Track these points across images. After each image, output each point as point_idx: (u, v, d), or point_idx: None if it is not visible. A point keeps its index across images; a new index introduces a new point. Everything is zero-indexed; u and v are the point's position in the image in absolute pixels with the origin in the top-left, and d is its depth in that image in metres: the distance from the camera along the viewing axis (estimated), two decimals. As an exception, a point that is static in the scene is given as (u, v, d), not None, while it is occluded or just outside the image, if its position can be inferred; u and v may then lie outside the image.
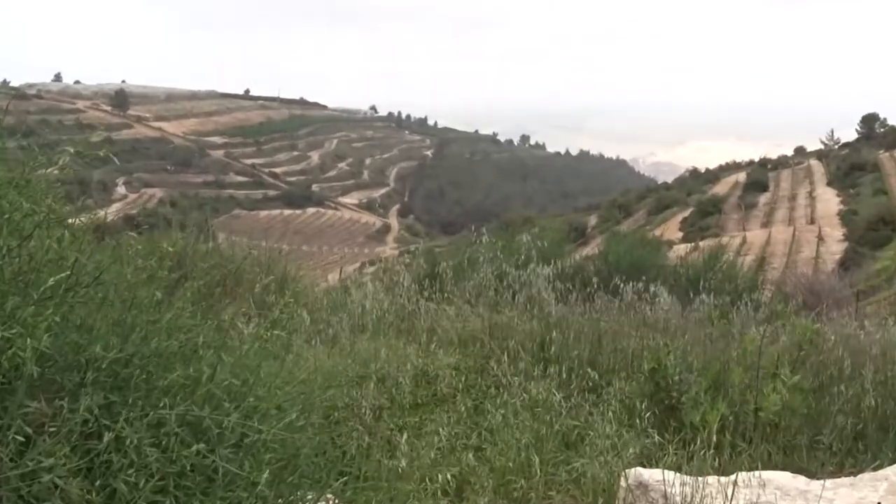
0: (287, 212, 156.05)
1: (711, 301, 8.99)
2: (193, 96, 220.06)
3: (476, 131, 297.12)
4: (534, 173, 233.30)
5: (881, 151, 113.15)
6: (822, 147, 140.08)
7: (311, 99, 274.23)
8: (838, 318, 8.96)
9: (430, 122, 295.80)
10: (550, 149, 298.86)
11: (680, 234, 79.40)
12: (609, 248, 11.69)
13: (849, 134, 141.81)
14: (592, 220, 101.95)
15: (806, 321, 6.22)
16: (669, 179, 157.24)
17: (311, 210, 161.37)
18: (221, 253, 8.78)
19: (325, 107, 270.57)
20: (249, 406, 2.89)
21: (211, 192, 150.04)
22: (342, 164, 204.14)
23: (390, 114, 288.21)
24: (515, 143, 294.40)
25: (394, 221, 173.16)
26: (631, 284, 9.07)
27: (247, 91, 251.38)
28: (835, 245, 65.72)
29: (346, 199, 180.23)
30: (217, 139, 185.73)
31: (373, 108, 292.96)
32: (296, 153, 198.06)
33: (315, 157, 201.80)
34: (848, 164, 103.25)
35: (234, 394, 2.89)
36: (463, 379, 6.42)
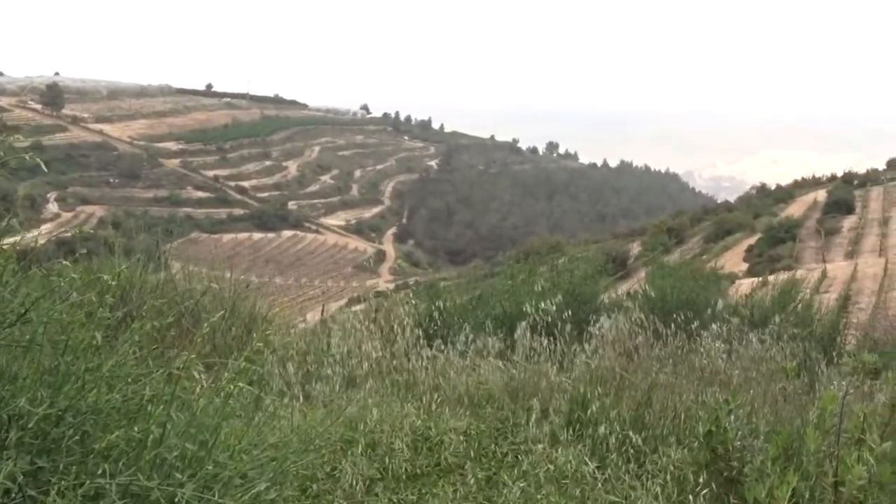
0: (257, 235, 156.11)
1: (786, 349, 8.98)
2: (142, 93, 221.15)
3: (492, 137, 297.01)
4: (563, 189, 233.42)
5: None
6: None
7: (287, 96, 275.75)
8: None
9: (435, 126, 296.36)
10: (584, 159, 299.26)
11: (745, 266, 79.38)
12: (653, 283, 11.68)
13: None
14: (635, 247, 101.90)
15: (901, 375, 6.18)
16: (732, 198, 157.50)
17: (286, 233, 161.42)
18: (176, 286, 8.80)
19: (304, 106, 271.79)
20: (208, 474, 2.90)
21: (164, 211, 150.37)
22: (326, 177, 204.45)
23: (386, 115, 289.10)
24: (540, 152, 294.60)
25: (389, 248, 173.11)
26: (681, 328, 9.08)
27: (208, 86, 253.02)
28: (938, 281, 65.63)
29: (331, 221, 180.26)
30: (171, 145, 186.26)
31: (364, 107, 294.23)
32: (269, 163, 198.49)
33: (292, 167, 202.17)
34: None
35: (188, 459, 2.89)
36: (474, 445, 6.41)
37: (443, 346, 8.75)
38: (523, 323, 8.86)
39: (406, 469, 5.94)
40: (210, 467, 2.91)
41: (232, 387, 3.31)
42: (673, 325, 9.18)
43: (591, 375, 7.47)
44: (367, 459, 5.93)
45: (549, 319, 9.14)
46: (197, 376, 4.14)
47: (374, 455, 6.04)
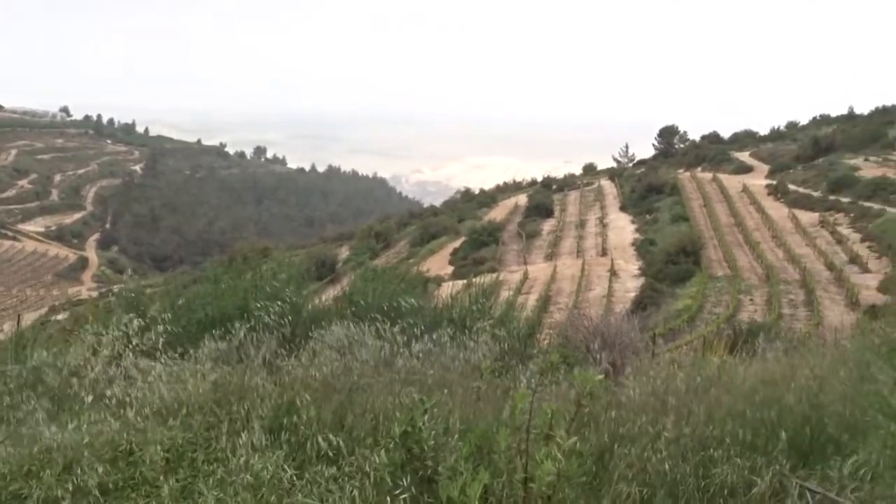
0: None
1: (484, 349, 9.19)
2: None
3: (198, 141, 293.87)
4: (271, 194, 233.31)
5: (680, 170, 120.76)
6: (614, 165, 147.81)
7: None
8: (630, 368, 9.40)
9: (140, 129, 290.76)
10: (292, 164, 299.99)
11: (450, 269, 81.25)
12: (356, 288, 11.75)
13: (645, 149, 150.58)
14: (344, 251, 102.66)
15: (587, 372, 6.45)
16: (438, 202, 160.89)
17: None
18: None
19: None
20: None
21: None
22: (23, 182, 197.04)
23: (87, 117, 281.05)
24: (248, 157, 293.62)
25: (92, 255, 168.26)
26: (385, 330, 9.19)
27: None
28: (630, 281, 69.46)
29: (29, 227, 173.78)
30: None
31: (64, 109, 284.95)
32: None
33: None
34: (644, 186, 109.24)
35: None
36: (173, 455, 6.27)
37: (149, 354, 8.56)
38: (241, 329, 8.80)
39: (98, 485, 5.76)
40: None
41: None
42: (377, 328, 9.27)
43: (300, 380, 7.45)
44: (56, 480, 5.72)
45: (269, 322, 9.13)
46: None
47: (67, 475, 5.82)
